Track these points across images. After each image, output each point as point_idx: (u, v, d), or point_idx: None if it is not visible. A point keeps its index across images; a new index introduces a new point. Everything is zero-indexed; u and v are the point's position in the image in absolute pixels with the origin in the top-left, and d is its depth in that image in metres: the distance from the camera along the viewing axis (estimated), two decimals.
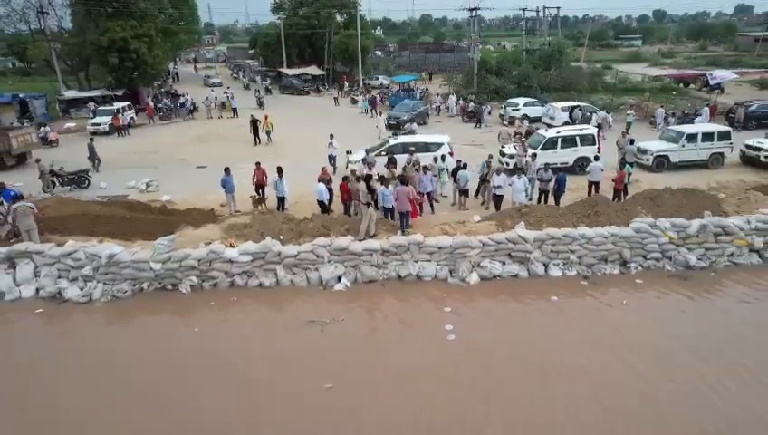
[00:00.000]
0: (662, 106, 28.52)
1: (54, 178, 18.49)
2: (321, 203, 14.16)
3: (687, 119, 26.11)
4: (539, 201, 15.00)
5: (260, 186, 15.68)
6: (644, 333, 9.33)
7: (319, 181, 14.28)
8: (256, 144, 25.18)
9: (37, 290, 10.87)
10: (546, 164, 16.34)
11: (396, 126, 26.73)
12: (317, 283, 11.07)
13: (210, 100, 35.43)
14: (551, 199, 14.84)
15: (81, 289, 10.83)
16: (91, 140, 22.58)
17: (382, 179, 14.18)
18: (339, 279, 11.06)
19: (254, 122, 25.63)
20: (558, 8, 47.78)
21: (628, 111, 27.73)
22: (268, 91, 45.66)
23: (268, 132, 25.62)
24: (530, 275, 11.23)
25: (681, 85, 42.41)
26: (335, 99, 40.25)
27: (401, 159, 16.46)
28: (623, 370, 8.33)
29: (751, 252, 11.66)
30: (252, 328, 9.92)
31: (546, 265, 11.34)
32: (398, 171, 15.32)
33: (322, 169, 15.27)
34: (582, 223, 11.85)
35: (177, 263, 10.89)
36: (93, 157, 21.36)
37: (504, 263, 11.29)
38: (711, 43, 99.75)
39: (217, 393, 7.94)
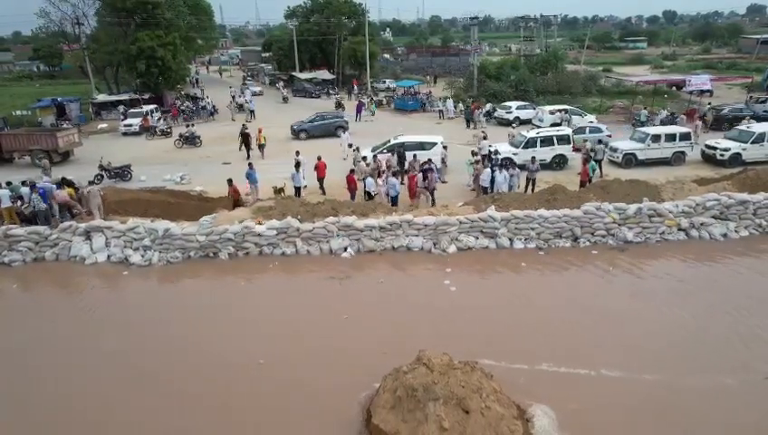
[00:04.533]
0: (664, 108, 31.11)
1: (102, 172, 21.51)
2: (368, 193, 16.88)
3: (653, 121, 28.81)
4: (526, 186, 17.89)
5: (236, 201, 16.37)
6: (584, 280, 12.64)
7: (369, 177, 17.11)
8: (248, 158, 23.00)
9: (108, 256, 13.91)
10: (534, 158, 18.87)
11: (296, 135, 28.29)
12: (327, 252, 13.98)
13: (232, 103, 38.34)
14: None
15: (143, 256, 13.81)
16: (244, 126, 26.29)
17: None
18: (345, 249, 13.94)
19: (245, 136, 24.66)
20: (555, 15, 50.23)
21: (643, 110, 30.72)
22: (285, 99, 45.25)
23: (261, 146, 24.57)
24: (497, 247, 14.04)
25: (674, 89, 44.58)
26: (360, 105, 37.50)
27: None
28: (581, 298, 11.68)
29: (679, 230, 14.32)
30: (285, 282, 12.91)
31: (511, 240, 14.12)
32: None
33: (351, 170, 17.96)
34: (543, 207, 14.57)
35: (217, 236, 13.84)
36: (246, 142, 25.01)
37: (477, 237, 14.09)
38: (715, 46, 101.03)
39: (263, 324, 10.87)
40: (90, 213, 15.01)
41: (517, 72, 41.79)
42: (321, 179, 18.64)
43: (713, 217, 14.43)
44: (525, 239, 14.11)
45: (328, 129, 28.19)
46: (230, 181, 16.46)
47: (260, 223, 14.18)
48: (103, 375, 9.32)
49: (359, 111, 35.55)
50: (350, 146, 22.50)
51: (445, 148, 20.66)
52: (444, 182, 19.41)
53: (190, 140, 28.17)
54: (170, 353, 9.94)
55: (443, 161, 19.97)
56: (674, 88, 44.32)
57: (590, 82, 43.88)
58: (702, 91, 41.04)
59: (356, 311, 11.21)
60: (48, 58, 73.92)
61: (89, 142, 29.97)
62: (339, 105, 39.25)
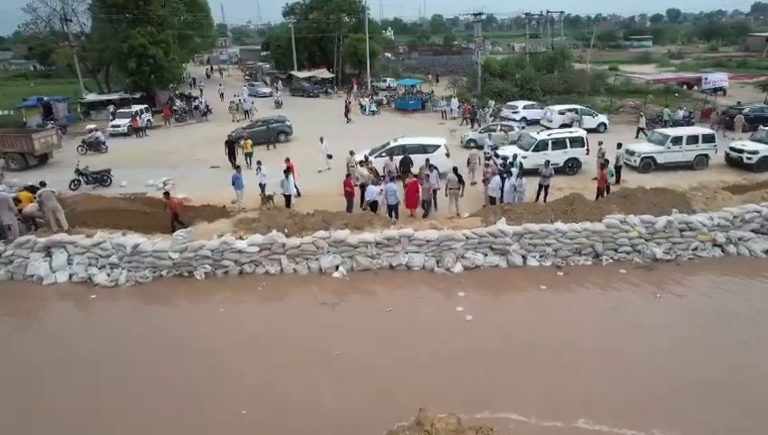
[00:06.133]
0: (681, 108, 29.46)
1: (80, 177, 19.93)
2: (372, 203, 15.09)
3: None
4: (537, 194, 16.21)
5: (175, 216, 14.29)
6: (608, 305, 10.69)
7: (372, 184, 15.34)
8: (234, 167, 19.88)
9: (70, 275, 12.34)
10: (548, 162, 17.02)
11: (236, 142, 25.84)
12: (317, 271, 12.39)
13: (234, 103, 36.78)
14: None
15: (109, 275, 12.25)
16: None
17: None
18: (336, 268, 12.35)
19: (231, 144, 22.21)
20: (561, 12, 48.53)
21: (665, 109, 29.40)
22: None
23: (249, 155, 22.08)
24: (509, 266, 12.43)
25: (685, 87, 42.95)
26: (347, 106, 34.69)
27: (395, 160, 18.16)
28: (620, 331, 10.08)
29: (714, 246, 12.71)
30: (268, 308, 11.34)
31: (524, 257, 12.52)
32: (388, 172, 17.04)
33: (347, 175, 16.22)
34: (560, 219, 12.96)
35: (192, 252, 12.28)
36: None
37: (485, 254, 12.49)
38: (722, 44, 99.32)
39: (243, 363, 9.29)
40: (59, 223, 13.40)
41: (523, 71, 40.16)
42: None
43: (752, 230, 12.83)
44: (540, 256, 12.51)
45: (268, 135, 26.23)
46: (167, 194, 14.44)
47: (241, 237, 12.62)
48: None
49: (347, 112, 33.51)
50: (330, 157, 20.37)
51: (447, 155, 18.90)
52: (473, 183, 17.98)
53: (95, 146, 26.11)
54: (133, 404, 8.35)
55: (478, 163, 18.46)
56: (684, 87, 42.79)
57: (597, 80, 42.30)
58: (714, 90, 39.42)
59: (350, 345, 9.65)
60: (42, 57, 72.61)
61: (74, 143, 28.59)
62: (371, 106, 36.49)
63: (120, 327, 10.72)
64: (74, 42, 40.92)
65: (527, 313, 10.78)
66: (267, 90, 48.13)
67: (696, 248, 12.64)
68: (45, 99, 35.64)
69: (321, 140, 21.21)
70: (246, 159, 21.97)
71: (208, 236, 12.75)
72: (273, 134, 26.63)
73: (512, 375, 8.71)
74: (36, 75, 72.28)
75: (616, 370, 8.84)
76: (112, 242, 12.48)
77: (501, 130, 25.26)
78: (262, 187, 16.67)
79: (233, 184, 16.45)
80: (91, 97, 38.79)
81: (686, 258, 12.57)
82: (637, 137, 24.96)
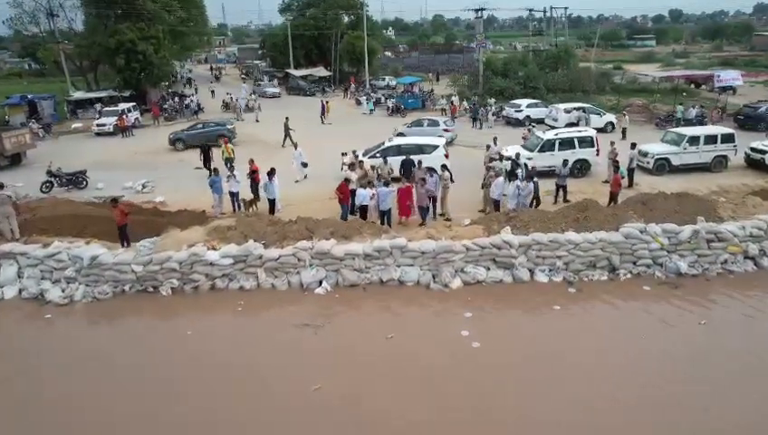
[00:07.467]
0: (693, 107, 28.00)
1: (52, 179, 18.56)
2: (362, 208, 13.78)
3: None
4: (555, 197, 15.40)
5: (120, 226, 12.39)
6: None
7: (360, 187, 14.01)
8: (210, 175, 16.33)
9: (20, 291, 10.94)
10: (566, 161, 15.90)
11: (172, 144, 25.25)
12: (298, 286, 10.97)
13: (238, 102, 35.40)
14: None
15: (63, 290, 10.85)
16: (287, 119, 24.96)
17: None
18: (320, 283, 10.94)
19: (206, 150, 20.71)
20: (565, 8, 47.15)
21: (679, 106, 28.00)
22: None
23: (228, 160, 19.55)
24: (515, 281, 11.00)
25: (692, 86, 41.60)
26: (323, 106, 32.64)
27: (395, 161, 16.60)
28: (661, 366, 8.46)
29: (746, 259, 11.29)
30: (240, 329, 9.94)
31: (532, 271, 11.10)
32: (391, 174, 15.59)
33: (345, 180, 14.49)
34: (571, 228, 11.55)
35: (158, 265, 10.88)
36: (287, 134, 24.32)
37: (488, 268, 11.07)
38: (727, 44, 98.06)
39: (207, 394, 7.99)
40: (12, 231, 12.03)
41: (526, 69, 38.77)
42: (257, 185, 15.65)
43: None
44: (550, 271, 11.09)
45: (208, 137, 24.51)
46: (114, 201, 12.81)
47: (213, 248, 11.22)
48: None
49: (322, 112, 31.85)
50: (305, 165, 18.61)
51: (446, 156, 17.37)
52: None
53: None
54: None
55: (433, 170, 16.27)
56: (692, 85, 41.46)
57: (602, 78, 40.94)
58: (723, 89, 38.04)
59: (332, 378, 8.20)
60: (35, 55, 71.38)
61: (58, 143, 27.33)
62: (397, 109, 34.30)
63: (67, 353, 9.27)
64: (61, 38, 39.62)
65: (544, 340, 9.21)
66: (276, 90, 46.20)
67: (725, 262, 11.22)
68: (29, 96, 34.33)
69: (296, 146, 19.47)
70: (227, 165, 19.48)
71: (178, 247, 11.35)
72: (213, 137, 24.81)
73: (529, 418, 7.32)
74: (31, 74, 71.09)
75: (662, 411, 7.32)
76: (69, 253, 11.08)
77: (428, 125, 24.52)
78: (233, 195, 15.22)
79: (210, 187, 15.19)
80: (78, 95, 37.49)
81: (716, 273, 11.12)
82: (623, 138, 23.06)
